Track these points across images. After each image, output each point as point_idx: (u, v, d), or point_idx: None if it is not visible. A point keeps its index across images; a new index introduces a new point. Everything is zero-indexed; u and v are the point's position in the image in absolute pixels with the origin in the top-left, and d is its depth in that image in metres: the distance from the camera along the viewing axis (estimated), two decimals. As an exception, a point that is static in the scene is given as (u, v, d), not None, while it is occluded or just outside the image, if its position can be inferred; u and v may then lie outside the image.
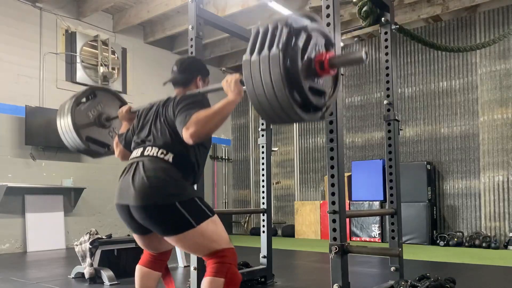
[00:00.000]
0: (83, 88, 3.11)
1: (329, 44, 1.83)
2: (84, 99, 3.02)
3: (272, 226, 4.16)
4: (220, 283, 1.84)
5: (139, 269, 2.14)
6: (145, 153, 1.96)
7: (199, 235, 1.85)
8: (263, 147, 3.85)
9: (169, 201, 1.82)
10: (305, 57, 1.66)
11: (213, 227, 1.90)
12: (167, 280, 2.24)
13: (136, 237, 2.08)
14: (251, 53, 1.66)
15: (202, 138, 1.81)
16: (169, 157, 1.92)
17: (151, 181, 1.84)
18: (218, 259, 1.88)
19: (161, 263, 2.16)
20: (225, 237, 1.93)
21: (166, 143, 1.95)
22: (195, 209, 1.87)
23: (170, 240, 1.90)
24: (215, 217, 1.93)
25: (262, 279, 3.68)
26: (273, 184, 9.01)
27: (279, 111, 1.66)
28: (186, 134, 1.78)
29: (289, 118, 1.70)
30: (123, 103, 3.17)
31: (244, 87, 1.80)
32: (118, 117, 2.62)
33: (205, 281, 1.86)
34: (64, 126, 2.95)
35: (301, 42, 1.64)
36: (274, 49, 1.59)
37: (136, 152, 2.02)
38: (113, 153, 2.88)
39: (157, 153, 1.93)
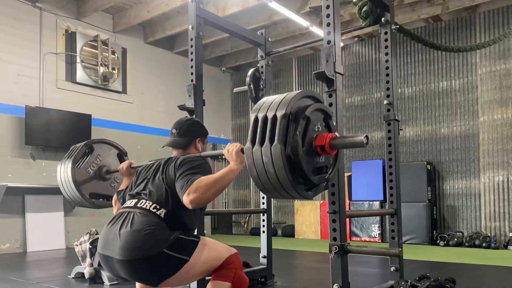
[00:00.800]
0: (78, 144, 3.14)
1: (328, 118, 1.89)
2: (81, 156, 3.08)
3: (272, 226, 4.15)
4: (226, 287, 1.85)
5: None
6: (138, 205, 1.93)
7: (198, 264, 1.85)
8: (263, 147, 3.84)
9: (156, 250, 1.77)
10: (306, 140, 1.74)
11: (207, 250, 1.89)
12: None
13: None
14: (253, 143, 1.74)
15: (202, 204, 1.81)
16: (161, 212, 1.89)
17: (138, 234, 1.79)
18: (225, 266, 1.90)
19: None
20: (223, 249, 1.94)
21: (161, 199, 1.93)
22: (183, 245, 1.84)
23: (170, 284, 1.86)
24: (203, 239, 1.93)
25: (262, 279, 3.68)
26: (273, 184, 9.00)
27: (283, 193, 1.75)
28: (187, 200, 1.78)
29: (291, 196, 1.78)
30: (120, 151, 3.23)
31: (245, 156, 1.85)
32: (118, 171, 2.66)
33: (211, 284, 1.87)
34: (67, 187, 3.06)
35: (300, 129, 1.72)
36: (275, 142, 1.66)
37: (130, 202, 1.98)
38: None
39: (150, 206, 1.90)
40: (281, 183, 1.69)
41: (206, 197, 1.78)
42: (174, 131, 2.23)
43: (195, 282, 2.85)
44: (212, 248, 1.91)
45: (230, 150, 1.94)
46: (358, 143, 1.77)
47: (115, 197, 2.32)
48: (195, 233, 2.05)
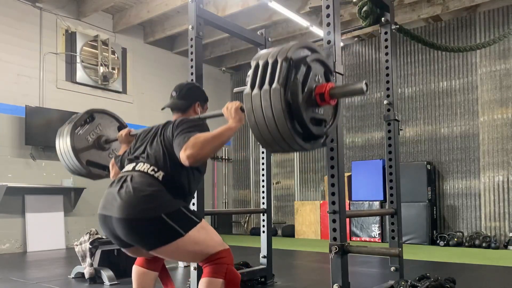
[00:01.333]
0: (80, 112, 3.12)
1: (328, 72, 1.86)
2: (82, 123, 3.05)
3: (272, 226, 4.16)
4: (218, 283, 1.83)
5: (135, 269, 2.13)
6: (136, 168, 1.93)
7: (191, 243, 1.83)
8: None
9: (155, 213, 1.77)
10: (306, 89, 1.70)
11: (204, 233, 1.87)
12: (165, 280, 2.22)
13: (123, 249, 2.03)
14: (252, 87, 1.69)
15: (199, 160, 1.79)
16: (159, 175, 1.89)
17: (137, 194, 1.79)
18: (215, 261, 1.86)
19: (157, 262, 2.14)
20: (218, 240, 1.92)
21: (159, 162, 1.93)
22: (182, 218, 1.83)
23: (160, 253, 1.86)
24: (204, 222, 1.91)
25: (262, 279, 3.68)
26: (273, 184, 9.01)
27: (281, 143, 1.70)
28: (183, 156, 1.77)
29: (290, 148, 1.74)
30: (121, 124, 3.20)
31: (244, 111, 1.82)
32: (117, 139, 2.63)
33: (203, 282, 1.84)
34: (64, 151, 2.98)
35: (301, 75, 1.69)
36: (275, 84, 1.63)
37: (128, 167, 1.99)
38: None
39: (148, 169, 1.91)
40: (279, 130, 1.64)
41: (203, 153, 1.77)
42: (174, 93, 2.23)
43: (195, 282, 2.85)
44: (209, 235, 1.90)
45: (229, 107, 1.94)
46: (358, 90, 1.73)
47: (112, 160, 2.32)
48: (196, 212, 2.01)
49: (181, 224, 1.81)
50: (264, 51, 1.77)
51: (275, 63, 1.66)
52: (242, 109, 1.90)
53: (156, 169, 1.90)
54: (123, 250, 2.02)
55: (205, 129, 1.97)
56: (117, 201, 1.80)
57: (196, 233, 1.84)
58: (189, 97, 2.21)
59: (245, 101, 1.71)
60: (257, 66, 1.71)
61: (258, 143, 3.65)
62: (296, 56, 1.69)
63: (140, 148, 2.07)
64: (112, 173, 2.32)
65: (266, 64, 1.68)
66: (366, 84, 1.71)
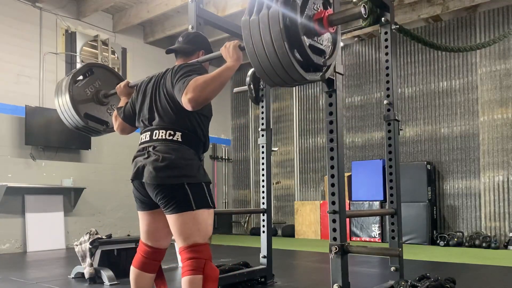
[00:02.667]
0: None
1: (327, 3, 1.83)
2: (81, 76, 3.00)
3: (272, 226, 4.15)
4: (198, 279, 1.85)
5: (132, 270, 2.15)
6: (154, 137, 2.00)
7: (192, 219, 1.90)
8: (263, 147, 3.85)
9: (180, 181, 1.89)
10: (304, 13, 1.64)
11: (207, 217, 1.95)
12: (159, 281, 2.22)
13: (143, 214, 2.12)
14: (250, 13, 1.65)
15: (201, 103, 1.81)
16: (178, 136, 1.96)
17: (165, 164, 1.90)
18: (193, 254, 1.89)
19: (155, 263, 2.15)
20: (209, 232, 1.97)
21: (172, 122, 1.99)
22: (199, 194, 1.93)
23: (169, 217, 1.95)
24: (212, 211, 1.99)
25: (262, 279, 3.68)
26: (273, 184, 9.01)
27: (280, 71, 1.64)
28: (185, 99, 1.80)
29: (290, 78, 1.68)
30: (120, 80, 3.13)
31: (243, 48, 1.80)
32: (116, 93, 2.62)
33: (184, 281, 1.86)
34: (63, 103, 2.92)
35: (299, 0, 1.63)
36: (273, 6, 1.58)
37: (145, 136, 2.05)
38: (112, 130, 2.89)
39: (165, 135, 1.97)
40: (278, 56, 1.59)
41: (204, 95, 1.79)
42: (180, 39, 2.24)
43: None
44: (208, 223, 1.96)
45: (227, 46, 1.95)
46: (357, 13, 1.69)
47: (115, 112, 2.35)
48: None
49: (196, 198, 1.91)
50: None
51: None
52: (241, 48, 1.90)
53: (172, 132, 1.97)
54: (143, 214, 2.12)
55: (204, 72, 1.98)
56: (148, 169, 1.92)
57: (201, 215, 1.92)
58: (195, 43, 2.23)
59: (242, 28, 1.67)
60: None
61: (263, 126, 3.59)
62: None
63: (145, 103, 2.09)
64: (115, 125, 2.35)
65: None
66: (364, 7, 1.68)
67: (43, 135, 6.39)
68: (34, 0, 6.53)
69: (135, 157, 2.05)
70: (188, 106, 1.81)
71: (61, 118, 3.00)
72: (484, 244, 6.17)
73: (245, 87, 3.85)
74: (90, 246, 3.73)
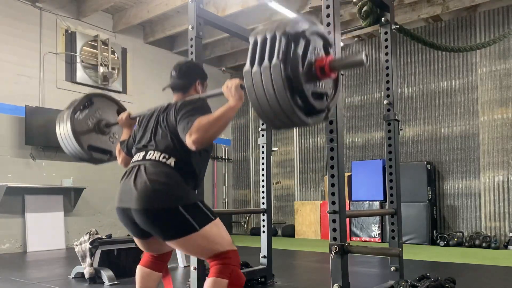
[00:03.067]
0: (80, 96, 3.11)
1: (327, 45, 1.84)
2: (81, 108, 3.03)
3: (272, 226, 4.15)
4: (223, 284, 1.84)
5: (139, 269, 2.15)
6: (147, 157, 1.95)
7: (202, 238, 1.86)
8: (263, 147, 3.85)
9: (172, 204, 1.82)
10: (306, 62, 1.67)
11: (216, 230, 1.90)
12: (167, 280, 2.24)
13: (136, 240, 2.08)
14: (252, 64, 1.67)
15: (205, 144, 1.82)
16: (171, 161, 1.92)
17: (154, 185, 1.83)
18: (222, 260, 1.88)
19: (162, 264, 2.17)
20: (228, 239, 1.94)
21: (168, 148, 1.95)
22: (198, 213, 1.87)
23: (172, 244, 1.90)
24: (217, 220, 1.94)
25: (262, 279, 3.68)
26: (273, 184, 9.01)
27: (283, 118, 1.68)
28: (189, 141, 1.79)
29: (292, 123, 1.72)
30: (120, 107, 3.19)
31: (244, 87, 1.80)
32: (117, 123, 2.64)
33: (208, 281, 1.87)
34: (65, 137, 2.95)
35: (300, 49, 1.66)
36: (274, 59, 1.60)
37: (138, 156, 2.01)
38: (115, 159, 2.90)
39: (159, 157, 1.93)
40: (280, 105, 1.63)
41: (208, 136, 1.79)
42: (173, 73, 2.22)
43: (195, 282, 2.86)
44: (221, 233, 1.92)
45: (229, 86, 1.92)
46: (358, 61, 1.71)
47: (118, 146, 2.34)
48: (198, 198, 2.01)
49: (197, 218, 1.85)
50: (261, 27, 1.74)
51: (273, 38, 1.63)
52: (242, 87, 1.89)
53: (167, 156, 1.93)
54: (137, 240, 2.06)
55: (207, 109, 1.97)
56: (134, 193, 1.84)
57: (209, 229, 1.87)
58: (189, 76, 2.21)
59: (245, 78, 1.69)
60: (255, 42, 1.68)
61: (263, 126, 3.61)
62: (295, 30, 1.66)
63: (146, 135, 2.08)
64: (119, 159, 2.33)
65: (264, 40, 1.65)
66: (366, 55, 1.69)
67: (43, 135, 6.39)
68: (34, 0, 6.53)
69: (122, 178, 1.97)
70: (192, 147, 1.80)
71: (64, 150, 3.05)
72: (484, 244, 6.17)
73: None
74: (90, 246, 3.73)
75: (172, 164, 1.91)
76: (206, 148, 2.05)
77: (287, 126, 1.75)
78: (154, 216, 1.82)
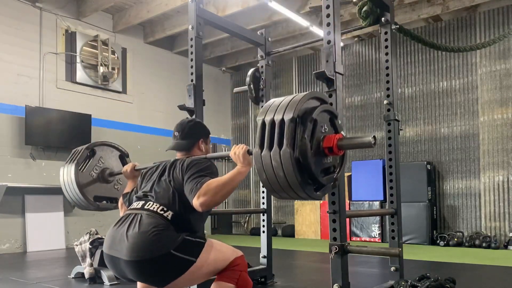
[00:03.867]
0: (79, 148, 3.14)
1: (334, 118, 1.91)
2: (84, 159, 3.09)
3: (272, 226, 4.15)
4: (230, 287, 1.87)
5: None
6: (145, 207, 1.93)
7: (204, 266, 1.86)
8: (263, 147, 3.84)
9: (163, 251, 1.77)
10: (313, 142, 1.74)
11: (213, 251, 1.90)
12: None
13: None
14: (261, 147, 1.74)
15: (212, 206, 1.83)
16: (169, 214, 1.89)
17: (146, 236, 1.79)
18: (231, 268, 1.92)
19: None
20: (229, 251, 1.95)
21: (168, 201, 1.94)
22: (189, 247, 1.84)
23: (176, 285, 1.86)
24: (209, 241, 1.94)
25: (262, 279, 3.68)
26: (273, 184, 8.99)
27: (292, 194, 1.76)
28: (197, 203, 1.79)
29: (300, 198, 1.81)
30: (122, 152, 3.23)
31: (251, 153, 1.87)
32: (121, 173, 2.67)
33: (215, 285, 1.89)
34: (72, 193, 3.08)
35: (308, 132, 1.72)
36: (284, 146, 1.67)
37: (137, 204, 1.99)
38: None
39: (157, 208, 1.91)
40: (291, 186, 1.71)
41: (216, 200, 1.80)
42: (176, 133, 2.23)
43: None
44: (218, 250, 1.93)
45: (237, 152, 1.95)
46: (366, 143, 1.77)
47: (121, 200, 2.33)
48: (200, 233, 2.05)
49: (191, 252, 1.84)
50: (270, 104, 1.80)
51: (282, 122, 1.70)
52: (249, 153, 1.93)
53: (165, 209, 1.91)
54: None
55: (214, 170, 1.99)
56: (125, 243, 1.79)
57: (207, 255, 1.87)
58: (192, 136, 2.22)
59: (255, 160, 1.77)
60: (263, 124, 1.76)
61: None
62: (303, 111, 1.73)
63: (148, 186, 2.06)
64: (121, 213, 2.30)
65: (273, 123, 1.73)
66: (374, 137, 1.76)
67: (43, 135, 6.39)
68: (34, 0, 6.53)
69: (114, 225, 1.94)
70: (199, 209, 1.81)
71: (69, 200, 3.11)
72: (484, 244, 6.17)
73: (245, 87, 3.85)
74: (90, 246, 3.73)
75: (169, 217, 1.89)
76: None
77: (297, 200, 1.88)
78: (146, 267, 1.78)
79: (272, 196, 3.95)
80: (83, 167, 3.07)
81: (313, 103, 1.81)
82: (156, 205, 1.92)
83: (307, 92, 1.84)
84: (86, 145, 3.17)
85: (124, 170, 2.54)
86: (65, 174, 3.06)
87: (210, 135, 2.35)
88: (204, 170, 1.93)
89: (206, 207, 1.79)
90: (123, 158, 3.33)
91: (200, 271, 1.86)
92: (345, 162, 1.98)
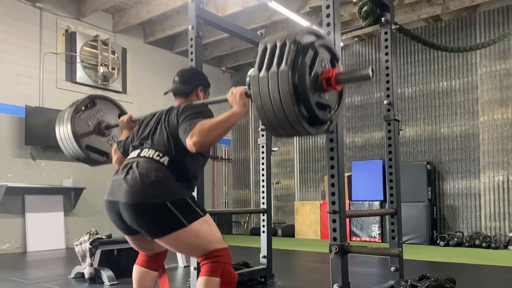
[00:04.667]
0: (80, 96, 3.12)
1: (334, 60, 1.87)
2: (83, 108, 3.04)
3: (272, 226, 4.15)
4: (216, 282, 1.84)
5: (136, 269, 2.14)
6: (142, 154, 1.96)
7: (192, 235, 1.84)
8: (263, 147, 3.85)
9: (160, 200, 1.80)
10: (312, 72, 1.70)
11: (206, 227, 1.89)
12: (162, 280, 2.23)
13: (127, 237, 2.07)
14: (259, 69, 1.69)
15: (205, 147, 1.82)
16: (165, 160, 1.92)
17: (144, 180, 1.82)
18: (213, 259, 1.87)
19: (158, 262, 2.16)
20: (219, 237, 1.93)
21: (164, 147, 1.95)
22: (186, 209, 1.85)
23: (161, 242, 1.87)
24: (207, 216, 1.93)
25: (262, 279, 3.68)
26: (273, 184, 9.01)
27: (286, 126, 1.70)
28: (190, 142, 1.79)
29: (295, 132, 1.74)
30: (122, 111, 3.20)
31: (249, 95, 1.83)
32: (118, 125, 2.65)
33: (200, 281, 1.86)
34: (64, 135, 2.95)
35: (308, 59, 1.68)
36: (283, 66, 1.62)
37: (133, 153, 2.02)
38: (111, 161, 2.91)
39: (153, 155, 1.93)
40: (286, 113, 1.65)
41: (209, 139, 1.79)
42: (176, 78, 2.24)
43: (195, 282, 2.85)
44: (211, 230, 1.91)
45: (234, 92, 1.93)
46: (364, 76, 1.73)
47: (115, 146, 2.34)
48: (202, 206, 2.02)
49: (185, 214, 1.83)
50: (272, 35, 1.77)
51: (283, 45, 1.66)
52: (247, 94, 1.91)
53: (161, 155, 1.93)
54: (127, 238, 2.05)
55: (209, 114, 1.98)
56: (124, 187, 1.83)
57: (199, 226, 1.86)
58: (192, 82, 2.22)
59: (252, 83, 1.71)
60: (265, 48, 1.71)
61: (263, 126, 3.62)
62: (304, 40, 1.69)
63: (144, 134, 2.08)
64: (114, 158, 2.33)
65: (274, 47, 1.68)
66: (372, 70, 1.72)
67: (43, 135, 6.39)
68: (34, 0, 6.53)
69: (114, 175, 1.98)
70: (192, 149, 1.80)
71: (61, 148, 3.04)
72: (484, 244, 6.17)
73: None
74: (90, 246, 3.73)
75: (166, 162, 1.91)
76: (203, 153, 2.05)
77: (289, 135, 1.77)
78: (141, 212, 1.80)
79: (272, 196, 3.95)
80: (80, 114, 3.00)
81: (313, 38, 1.78)
82: (151, 151, 1.94)
83: (307, 26, 1.81)
84: (89, 95, 3.14)
85: (120, 120, 2.54)
86: (62, 118, 2.98)
87: None
88: (198, 112, 1.93)
89: (200, 146, 1.78)
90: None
91: (186, 239, 1.84)
92: (342, 104, 1.92)
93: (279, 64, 1.64)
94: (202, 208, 1.94)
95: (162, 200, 1.80)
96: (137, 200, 1.79)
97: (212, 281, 1.83)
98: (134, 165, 1.90)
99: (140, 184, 1.82)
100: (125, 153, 2.22)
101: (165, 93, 2.25)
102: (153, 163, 1.89)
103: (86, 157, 2.96)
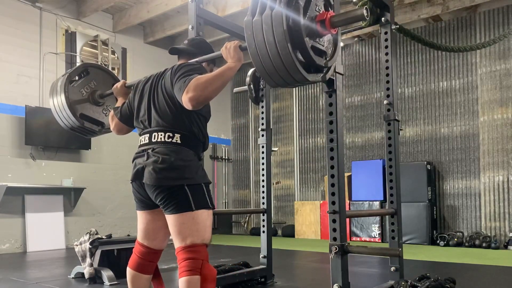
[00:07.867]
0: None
1: (328, 5, 1.84)
2: (76, 77, 2.99)
3: (272, 226, 4.15)
4: (196, 280, 1.84)
5: (128, 271, 2.14)
6: (153, 140, 2.00)
7: (191, 219, 1.91)
8: (263, 147, 3.85)
9: (179, 182, 1.91)
10: (307, 15, 1.66)
11: (206, 218, 1.96)
12: (157, 282, 2.22)
13: (140, 215, 2.14)
14: (253, 14, 1.65)
15: (201, 102, 1.81)
16: (177, 138, 1.97)
17: (164, 165, 1.91)
18: (190, 254, 1.89)
19: (151, 265, 2.15)
20: (207, 233, 1.96)
21: (171, 123, 1.98)
22: (198, 195, 1.94)
23: (168, 218, 1.96)
24: (211, 212, 2.01)
25: (262, 279, 3.68)
26: (273, 184, 9.01)
27: (282, 71, 1.65)
28: (185, 98, 1.79)
29: (291, 79, 1.69)
30: (116, 80, 3.12)
31: (244, 49, 1.82)
32: (112, 93, 2.61)
33: (182, 281, 1.86)
34: (58, 104, 2.90)
35: (302, 1, 1.64)
36: (276, 7, 1.58)
37: (144, 139, 2.06)
38: (108, 131, 2.89)
39: (164, 137, 1.97)
40: (281, 56, 1.60)
41: (205, 95, 1.79)
42: (185, 42, 2.28)
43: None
44: (207, 224, 1.97)
45: (228, 46, 1.94)
46: (359, 16, 1.71)
47: (112, 112, 2.35)
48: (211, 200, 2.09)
49: (196, 199, 1.93)
50: None
51: None
52: (241, 48, 1.91)
53: (171, 134, 1.97)
54: (144, 214, 2.13)
55: (204, 72, 1.98)
56: (148, 170, 1.94)
57: (200, 215, 1.93)
58: (199, 48, 2.23)
59: (245, 29, 1.67)
60: None
61: (263, 126, 3.59)
62: None
63: (143, 105, 2.09)
64: (112, 125, 2.35)
65: None
66: (366, 9, 1.69)
67: (43, 135, 6.39)
68: (34, 0, 6.53)
69: (134, 158, 2.07)
70: (188, 105, 1.80)
71: (56, 119, 2.98)
72: (484, 244, 6.17)
73: (245, 87, 3.85)
74: (90, 246, 3.73)
75: (179, 140, 1.97)
76: (203, 113, 2.07)
77: (286, 83, 1.72)
78: (163, 192, 1.92)
79: (272, 196, 3.95)
80: (74, 83, 2.94)
81: None
82: (161, 134, 1.99)
83: None
84: (83, 63, 3.11)
85: (114, 87, 2.52)
86: (55, 86, 2.93)
87: (210, 135, 2.34)
88: (193, 69, 1.94)
89: (196, 101, 1.78)
90: None
91: (186, 221, 1.91)
92: (338, 50, 1.89)
93: (272, 6, 1.60)
94: (212, 201, 2.01)
95: (180, 182, 1.91)
96: (159, 182, 1.91)
97: (192, 280, 1.84)
98: (150, 150, 1.97)
99: (161, 168, 1.91)
100: (122, 118, 2.27)
101: (171, 49, 2.22)
102: (169, 146, 1.96)
103: (81, 127, 2.91)
